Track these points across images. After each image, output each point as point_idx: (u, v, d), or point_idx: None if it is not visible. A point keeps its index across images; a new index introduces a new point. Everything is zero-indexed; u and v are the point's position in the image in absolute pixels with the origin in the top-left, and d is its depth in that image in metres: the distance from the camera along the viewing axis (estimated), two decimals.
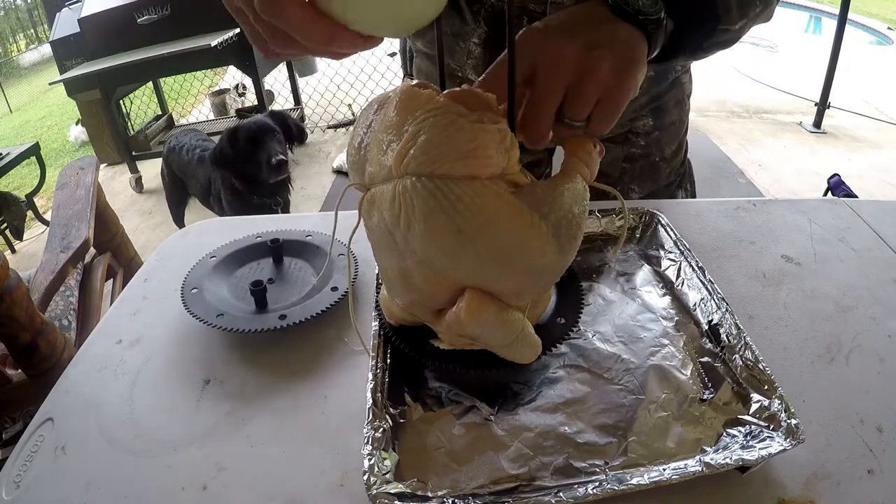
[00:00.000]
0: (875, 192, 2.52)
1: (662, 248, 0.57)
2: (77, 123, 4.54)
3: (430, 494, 0.37)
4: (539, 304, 0.45)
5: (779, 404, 0.39)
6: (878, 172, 2.72)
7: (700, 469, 0.36)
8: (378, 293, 0.49)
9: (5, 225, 2.64)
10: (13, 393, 1.06)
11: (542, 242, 0.35)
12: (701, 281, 0.50)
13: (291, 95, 3.70)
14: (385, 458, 0.39)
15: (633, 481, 0.36)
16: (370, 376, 0.43)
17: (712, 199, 0.67)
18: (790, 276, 0.55)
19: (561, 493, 0.35)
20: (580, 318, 0.46)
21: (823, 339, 0.48)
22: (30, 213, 2.83)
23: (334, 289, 0.56)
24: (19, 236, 2.72)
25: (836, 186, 1.99)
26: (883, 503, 0.36)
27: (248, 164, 1.89)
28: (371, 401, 0.41)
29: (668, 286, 0.53)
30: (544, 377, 0.46)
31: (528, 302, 0.41)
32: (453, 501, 0.36)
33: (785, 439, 0.37)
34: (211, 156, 1.93)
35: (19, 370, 1.05)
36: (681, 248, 0.54)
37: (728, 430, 0.40)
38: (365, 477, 0.37)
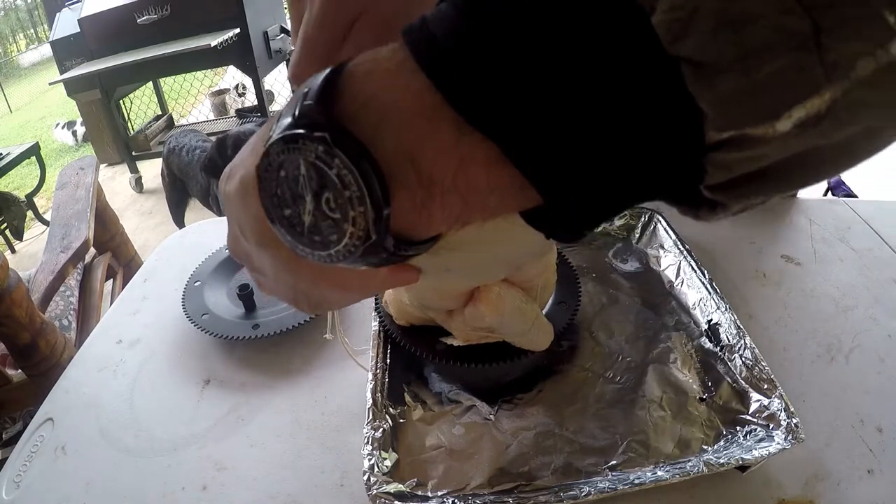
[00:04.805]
0: (875, 192, 2.52)
1: (662, 247, 0.57)
2: (61, 127, 4.53)
3: (430, 494, 0.37)
4: (546, 291, 0.45)
5: (779, 403, 0.38)
6: (879, 172, 2.72)
7: (700, 468, 0.36)
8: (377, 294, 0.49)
9: (5, 225, 2.65)
10: (13, 393, 1.06)
11: (522, 231, 0.35)
12: (700, 280, 0.50)
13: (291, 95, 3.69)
14: (385, 458, 0.39)
15: (633, 480, 0.36)
16: (370, 376, 0.43)
17: None
18: (790, 276, 0.55)
19: (561, 493, 0.35)
20: (580, 298, 0.47)
21: (823, 339, 0.48)
22: (30, 213, 2.83)
23: None
24: (19, 236, 2.72)
25: (836, 186, 1.99)
26: (883, 503, 0.36)
27: None
28: (371, 401, 0.41)
29: (668, 285, 0.53)
30: (544, 376, 0.46)
31: (536, 281, 0.42)
32: (453, 501, 0.36)
33: (784, 438, 0.36)
34: (201, 164, 1.94)
35: (19, 370, 1.05)
36: (680, 247, 0.54)
37: (728, 430, 0.40)
38: (365, 477, 0.37)
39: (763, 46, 0.15)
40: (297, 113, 0.18)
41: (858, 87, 0.15)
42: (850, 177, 1.98)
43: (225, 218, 0.27)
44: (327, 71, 0.19)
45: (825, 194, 2.06)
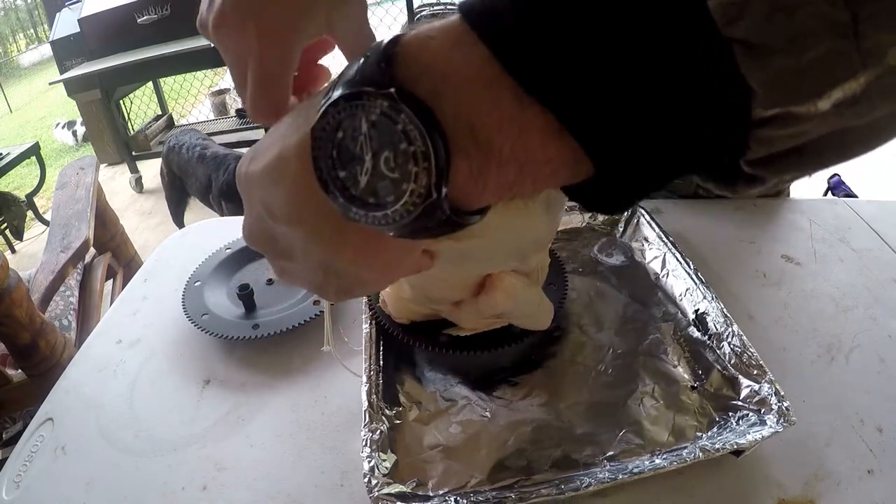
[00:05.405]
0: (875, 192, 2.52)
1: (646, 240, 0.57)
2: (61, 127, 4.53)
3: (430, 493, 0.38)
4: (542, 273, 0.46)
5: (769, 388, 0.39)
6: (879, 172, 2.72)
7: (696, 455, 0.36)
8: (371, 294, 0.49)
9: (5, 225, 2.65)
10: (13, 393, 1.06)
11: (538, 221, 0.36)
12: (686, 271, 0.51)
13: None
14: (384, 460, 0.39)
15: (633, 470, 0.36)
16: (364, 378, 0.43)
17: (712, 199, 0.67)
18: (790, 276, 0.55)
19: (562, 485, 0.36)
20: (567, 277, 0.48)
21: (823, 338, 0.48)
22: (30, 213, 2.83)
23: (316, 302, 0.55)
24: (19, 236, 2.72)
25: (836, 186, 1.99)
26: (883, 503, 0.36)
27: None
28: (366, 403, 0.41)
29: (654, 277, 0.54)
30: (537, 371, 0.46)
31: (537, 266, 0.43)
32: (455, 499, 0.36)
33: (777, 422, 0.37)
34: (218, 188, 1.97)
35: (19, 370, 1.05)
36: (664, 240, 0.55)
37: (720, 416, 0.40)
38: (366, 479, 0.37)
39: (810, 31, 0.16)
40: (357, 76, 0.19)
41: (890, 74, 0.16)
42: (850, 177, 1.98)
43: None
44: (386, 41, 0.19)
45: (825, 194, 2.06)
